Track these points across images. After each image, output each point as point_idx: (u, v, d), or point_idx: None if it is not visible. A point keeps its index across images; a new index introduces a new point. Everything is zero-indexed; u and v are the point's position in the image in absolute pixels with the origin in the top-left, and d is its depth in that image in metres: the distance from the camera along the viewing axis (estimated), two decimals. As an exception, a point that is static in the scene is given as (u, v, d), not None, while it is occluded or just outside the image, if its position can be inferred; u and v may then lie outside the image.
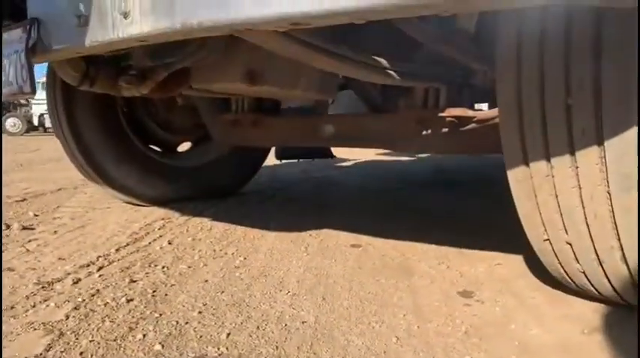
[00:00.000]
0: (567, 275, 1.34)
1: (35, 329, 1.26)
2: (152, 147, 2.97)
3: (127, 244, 2.07)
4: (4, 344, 1.18)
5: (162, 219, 2.55)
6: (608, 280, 1.24)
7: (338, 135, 2.33)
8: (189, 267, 1.78)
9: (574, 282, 1.36)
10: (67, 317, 1.33)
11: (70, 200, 3.15)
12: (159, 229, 2.34)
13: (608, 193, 1.10)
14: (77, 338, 1.21)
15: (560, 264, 1.32)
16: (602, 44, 1.02)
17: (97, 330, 1.25)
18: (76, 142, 2.60)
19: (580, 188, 1.13)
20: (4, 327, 1.27)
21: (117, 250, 1.98)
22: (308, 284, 1.61)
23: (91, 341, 1.19)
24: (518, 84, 1.17)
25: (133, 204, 2.88)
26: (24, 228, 2.35)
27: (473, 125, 1.88)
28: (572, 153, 1.12)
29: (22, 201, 3.09)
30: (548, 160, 1.16)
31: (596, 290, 1.31)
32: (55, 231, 2.30)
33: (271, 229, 2.33)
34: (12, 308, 1.40)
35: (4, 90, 1.47)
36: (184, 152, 3.24)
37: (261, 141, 2.68)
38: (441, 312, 1.39)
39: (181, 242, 2.12)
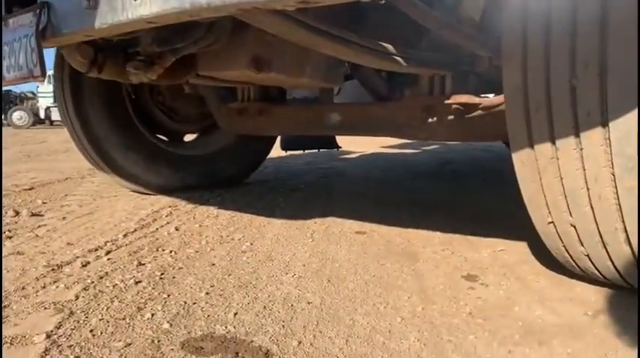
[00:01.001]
0: (571, 258, 1.35)
1: (46, 308, 1.28)
2: (159, 136, 2.99)
3: (135, 230, 2.10)
4: (15, 321, 1.21)
5: (170, 206, 2.57)
6: (612, 262, 1.25)
7: (344, 124, 2.34)
8: (197, 252, 1.80)
9: (578, 265, 1.37)
10: (77, 297, 1.36)
11: (77, 189, 3.18)
12: (166, 216, 2.36)
13: (613, 175, 1.11)
14: (87, 317, 1.23)
15: (564, 246, 1.33)
16: (608, 26, 1.02)
17: (107, 310, 1.28)
18: (83, 131, 2.62)
19: (584, 170, 1.14)
20: (15, 306, 1.29)
21: (125, 235, 2.00)
22: (314, 267, 1.62)
23: (100, 320, 1.21)
24: (523, 66, 1.17)
25: (140, 192, 2.90)
26: (33, 215, 2.37)
27: (479, 112, 1.89)
28: (577, 135, 1.12)
29: (30, 189, 3.11)
30: (553, 142, 1.17)
31: (600, 272, 1.32)
32: (64, 218, 2.33)
33: (277, 217, 2.35)
34: (23, 288, 1.42)
35: (14, 74, 1.48)
36: (191, 141, 3.26)
37: (267, 129, 2.70)
38: (445, 295, 1.40)
39: (188, 228, 2.14)
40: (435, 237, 1.99)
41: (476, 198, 2.91)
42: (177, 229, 2.11)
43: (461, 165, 4.60)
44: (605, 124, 1.08)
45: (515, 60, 1.19)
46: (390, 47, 1.64)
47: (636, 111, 1.04)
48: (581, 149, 1.13)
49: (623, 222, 1.15)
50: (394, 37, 1.67)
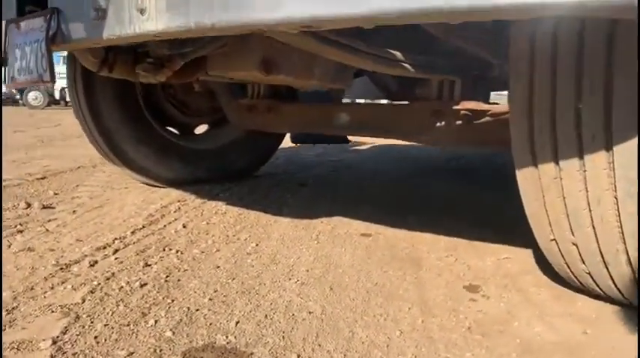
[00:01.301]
0: (573, 274, 1.35)
1: (53, 311, 1.31)
2: (169, 129, 3.01)
3: (143, 226, 2.12)
4: (23, 325, 1.24)
5: (179, 201, 2.60)
6: (613, 282, 1.26)
7: (352, 124, 2.34)
8: (203, 252, 1.82)
9: (579, 281, 1.37)
10: (84, 300, 1.38)
11: (89, 178, 3.22)
12: (174, 212, 2.38)
13: (615, 198, 1.11)
14: (92, 322, 1.26)
15: (566, 263, 1.33)
16: (614, 52, 1.01)
17: (112, 314, 1.30)
18: (95, 123, 2.64)
19: (587, 191, 1.14)
20: (23, 308, 1.33)
21: (133, 232, 2.03)
22: (317, 273, 1.64)
23: (105, 325, 1.24)
24: (530, 88, 1.17)
25: (150, 184, 2.93)
26: (44, 207, 2.41)
27: (487, 119, 1.88)
28: (581, 158, 1.12)
29: (42, 178, 3.16)
30: (557, 163, 1.17)
31: (601, 290, 1.33)
32: (74, 211, 2.36)
33: (284, 215, 2.36)
34: (31, 289, 1.45)
35: (25, 77, 1.50)
36: (201, 134, 3.27)
37: (275, 126, 2.71)
38: (445, 307, 1.41)
39: (196, 226, 2.16)
40: (441, 241, 2.00)
41: (483, 197, 2.90)
42: (184, 226, 2.14)
43: (471, 160, 4.58)
44: (609, 148, 1.08)
45: (522, 81, 1.19)
46: (398, 54, 1.64)
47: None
48: (585, 171, 1.13)
49: (625, 243, 1.15)
50: (402, 43, 1.67)
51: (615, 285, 1.26)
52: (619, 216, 1.12)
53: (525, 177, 1.28)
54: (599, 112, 1.06)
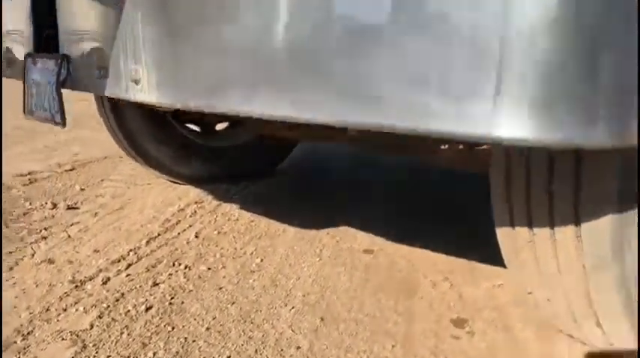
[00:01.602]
0: (552, 319, 1.41)
1: (63, 338, 1.44)
2: (189, 127, 3.10)
3: (159, 234, 2.24)
4: (36, 352, 1.37)
5: (196, 202, 2.71)
6: (586, 336, 1.31)
7: (363, 139, 2.38)
8: (209, 269, 1.93)
9: (558, 326, 1.42)
10: (92, 326, 1.51)
11: (114, 172, 3.35)
12: (190, 217, 2.49)
13: (584, 267, 1.15)
14: (97, 352, 1.38)
15: (544, 311, 1.39)
16: (581, 164, 1.06)
17: (115, 344, 1.43)
18: (118, 125, 2.76)
19: (557, 259, 1.19)
20: (37, 333, 1.46)
21: (147, 242, 2.15)
22: (312, 299, 1.73)
23: (108, 357, 1.36)
24: (507, 175, 1.22)
25: (172, 181, 3.05)
26: (69, 208, 2.56)
27: (487, 146, 1.91)
28: (552, 228, 1.16)
29: (71, 170, 3.31)
30: (531, 228, 1.22)
31: (579, 338, 1.38)
32: (96, 214, 2.50)
33: (293, 224, 2.44)
34: (47, 310, 1.59)
35: (39, 114, 1.60)
36: (221, 132, 3.36)
37: (289, 135, 2.76)
38: (429, 345, 1.48)
39: (207, 235, 2.27)
40: (440, 263, 2.05)
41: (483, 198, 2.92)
42: (196, 236, 2.25)
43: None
44: (577, 223, 1.12)
45: (499, 168, 1.25)
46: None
47: (607, 218, 1.07)
48: (555, 240, 1.17)
49: (593, 309, 1.20)
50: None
51: (589, 340, 1.31)
52: (587, 284, 1.16)
53: (504, 235, 1.33)
54: (568, 197, 1.10)
